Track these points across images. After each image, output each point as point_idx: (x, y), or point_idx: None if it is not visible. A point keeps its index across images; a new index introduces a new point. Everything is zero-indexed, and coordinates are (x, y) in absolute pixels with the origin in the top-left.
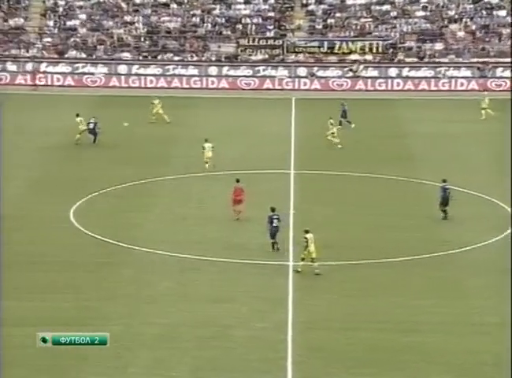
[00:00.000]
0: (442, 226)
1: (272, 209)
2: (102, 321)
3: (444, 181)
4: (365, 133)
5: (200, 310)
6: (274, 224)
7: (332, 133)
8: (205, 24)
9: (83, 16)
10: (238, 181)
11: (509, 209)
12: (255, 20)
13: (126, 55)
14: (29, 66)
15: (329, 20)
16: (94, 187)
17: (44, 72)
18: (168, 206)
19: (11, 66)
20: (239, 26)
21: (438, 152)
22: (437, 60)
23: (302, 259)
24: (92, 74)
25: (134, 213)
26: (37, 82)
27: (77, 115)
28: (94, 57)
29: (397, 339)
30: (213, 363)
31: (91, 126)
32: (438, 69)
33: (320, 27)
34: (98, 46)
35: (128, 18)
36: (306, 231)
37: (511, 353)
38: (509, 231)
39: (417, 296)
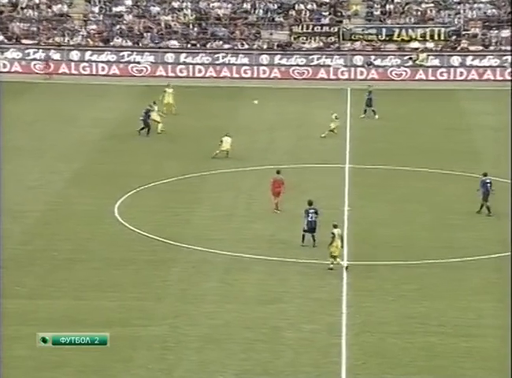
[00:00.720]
0: (503, 225)
1: (310, 203)
2: (146, 321)
3: (485, 175)
4: (426, 126)
5: (248, 311)
6: (310, 218)
7: (332, 130)
8: (256, 10)
9: (129, 2)
10: (278, 173)
11: None
12: (309, 6)
13: (173, 43)
14: (73, 55)
15: (388, 6)
16: (139, 181)
17: (89, 61)
18: (216, 202)
19: (55, 54)
20: (293, 12)
21: (503, 147)
22: (503, 48)
23: (334, 257)
24: (138, 63)
25: (180, 209)
26: (50, 70)
27: (154, 103)
28: (140, 45)
29: (456, 343)
30: (261, 367)
31: (143, 114)
32: (504, 58)
33: (378, 13)
34: (145, 34)
35: (175, 4)
36: (335, 226)
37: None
38: None
39: (477, 298)
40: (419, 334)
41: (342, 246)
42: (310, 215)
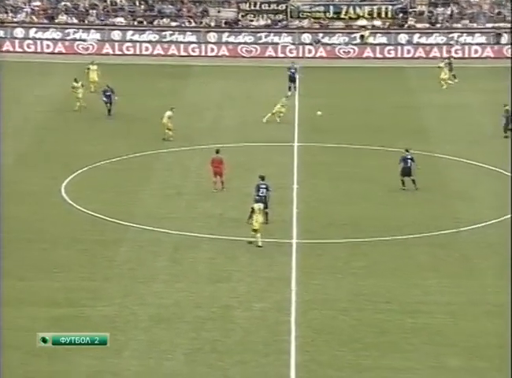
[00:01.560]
0: (453, 202)
1: (262, 178)
2: (94, 302)
3: (407, 151)
4: (375, 103)
5: (198, 290)
6: (260, 193)
7: (274, 113)
8: None
9: None
10: (217, 152)
11: None
12: None
13: (120, 20)
14: (18, 32)
15: None
16: (86, 160)
17: (33, 39)
18: (164, 181)
19: None
20: None
21: (451, 124)
22: (450, 25)
23: (255, 230)
24: (84, 40)
25: (129, 188)
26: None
27: (75, 80)
28: (86, 22)
29: (404, 320)
30: (211, 345)
31: (108, 94)
32: (450, 35)
33: None
34: (91, 11)
35: None
36: (256, 201)
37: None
38: None
39: (425, 275)
40: (367, 311)
41: (265, 222)
42: (261, 190)
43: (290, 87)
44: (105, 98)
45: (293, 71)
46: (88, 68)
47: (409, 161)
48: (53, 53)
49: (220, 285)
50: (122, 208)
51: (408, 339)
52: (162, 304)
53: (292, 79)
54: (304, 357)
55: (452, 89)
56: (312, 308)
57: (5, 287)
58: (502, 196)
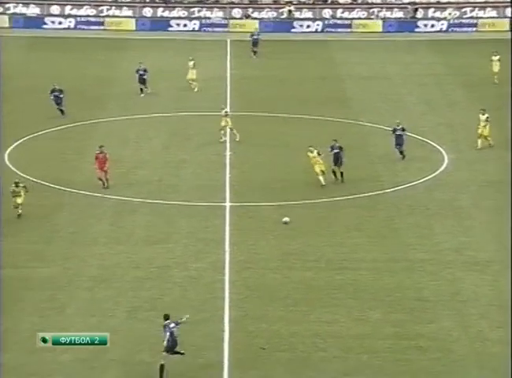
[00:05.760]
0: (376, 166)
1: (335, 141)
2: (38, 263)
3: (335, 140)
4: (301, 75)
5: (137, 252)
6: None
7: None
8: None
9: None
10: (101, 147)
11: (441, 150)
12: None
13: None
14: None
15: None
16: (26, 130)
17: None
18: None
19: None
20: None
21: (373, 94)
22: (370, 1)
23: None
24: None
25: (69, 156)
26: None
27: None
28: None
29: (330, 276)
30: (150, 303)
31: (141, 73)
32: (371, 10)
33: None
34: None
35: None
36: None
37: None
38: (439, 171)
39: (350, 235)
40: (296, 269)
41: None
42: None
43: (254, 52)
44: (53, 98)
45: (255, 37)
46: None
47: (399, 131)
48: None
49: (157, 247)
50: (63, 175)
51: (334, 295)
52: (103, 265)
53: (255, 44)
54: (238, 313)
55: (368, 63)
56: (245, 267)
57: None
58: (421, 160)
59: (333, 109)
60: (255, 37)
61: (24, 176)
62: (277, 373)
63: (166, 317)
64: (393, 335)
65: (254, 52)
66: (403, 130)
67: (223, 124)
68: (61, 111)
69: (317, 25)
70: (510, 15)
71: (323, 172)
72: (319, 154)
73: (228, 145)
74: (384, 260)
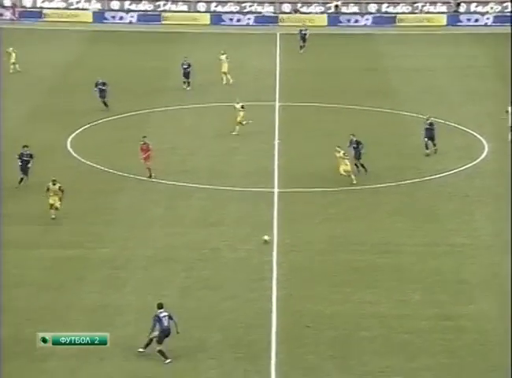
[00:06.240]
0: (418, 154)
1: (353, 134)
2: (97, 244)
3: (353, 135)
4: (346, 67)
5: (190, 234)
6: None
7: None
8: None
9: None
10: (144, 138)
11: (482, 139)
12: None
13: None
14: None
15: None
16: (89, 118)
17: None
18: (160, 137)
19: None
20: None
21: (417, 85)
22: None
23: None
24: (87, 10)
25: (128, 143)
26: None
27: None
28: None
29: (373, 259)
30: (202, 283)
31: (185, 67)
32: (415, 5)
33: None
34: None
35: None
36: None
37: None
38: (479, 159)
39: (393, 220)
40: (341, 252)
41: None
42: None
43: (301, 46)
44: (97, 91)
45: (304, 32)
46: (8, 52)
47: (429, 126)
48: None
49: (209, 229)
50: (121, 161)
51: (377, 277)
52: (158, 246)
53: (303, 39)
54: (284, 293)
55: (414, 55)
56: (291, 250)
57: (16, 232)
58: (462, 149)
59: (379, 100)
60: (303, 32)
61: (85, 161)
62: (321, 350)
63: (160, 306)
64: (433, 316)
65: (301, 46)
66: (431, 124)
67: (239, 119)
68: (105, 104)
69: (366, 19)
70: None
71: (347, 172)
72: (345, 155)
73: (276, 134)
74: (425, 244)
